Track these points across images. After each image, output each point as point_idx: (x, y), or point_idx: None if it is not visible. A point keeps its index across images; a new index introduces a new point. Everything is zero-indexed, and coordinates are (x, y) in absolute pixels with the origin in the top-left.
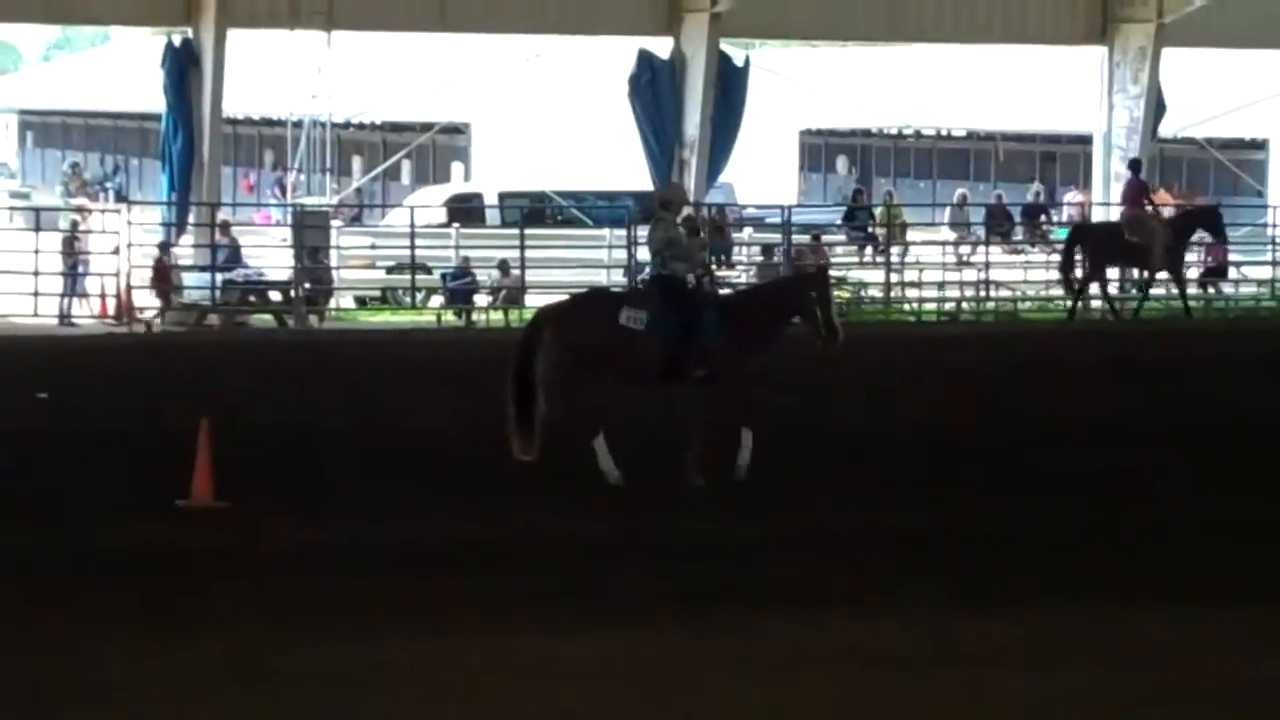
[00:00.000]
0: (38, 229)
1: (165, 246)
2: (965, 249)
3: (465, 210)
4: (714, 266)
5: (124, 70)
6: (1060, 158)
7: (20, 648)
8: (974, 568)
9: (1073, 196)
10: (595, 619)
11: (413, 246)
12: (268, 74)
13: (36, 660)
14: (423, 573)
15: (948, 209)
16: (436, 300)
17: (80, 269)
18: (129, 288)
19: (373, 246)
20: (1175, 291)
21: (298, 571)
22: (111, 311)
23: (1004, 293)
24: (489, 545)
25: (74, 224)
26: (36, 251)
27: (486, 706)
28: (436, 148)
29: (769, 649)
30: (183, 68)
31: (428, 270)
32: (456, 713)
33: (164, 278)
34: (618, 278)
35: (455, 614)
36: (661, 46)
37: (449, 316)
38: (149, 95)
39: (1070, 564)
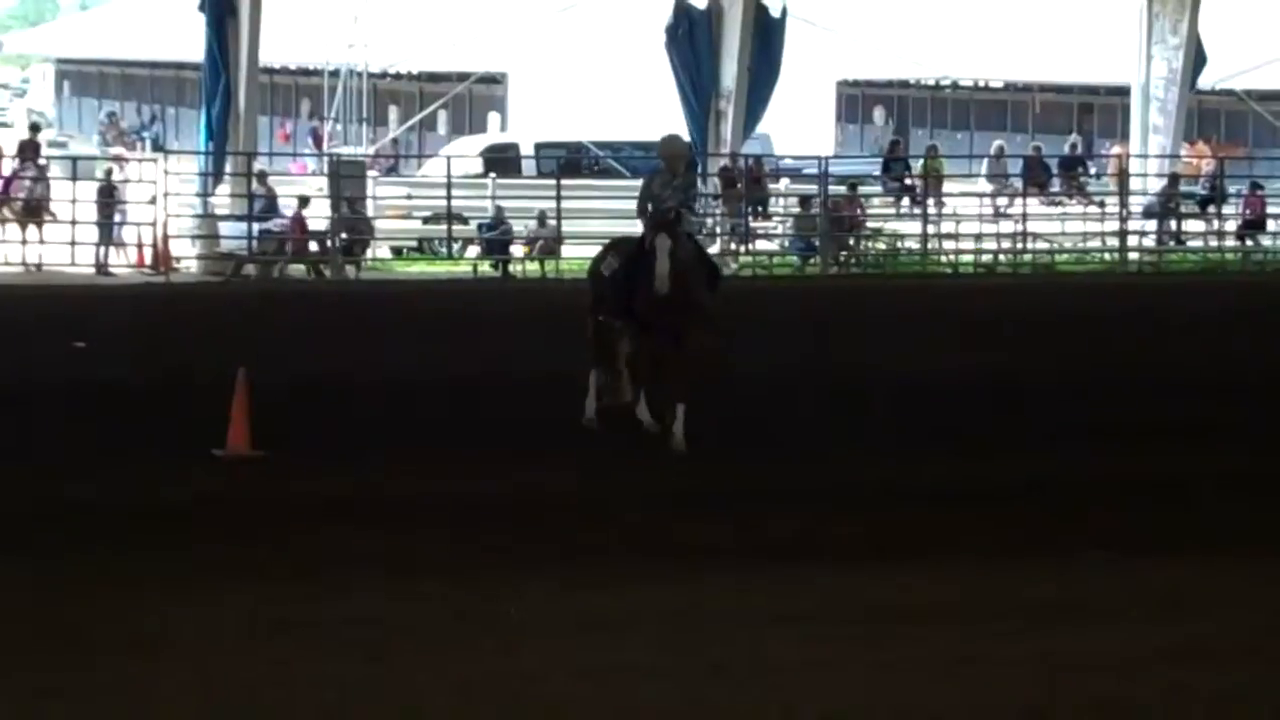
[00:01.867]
0: (74, 178)
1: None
2: (1002, 201)
3: (501, 160)
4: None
5: (161, 19)
6: (1098, 109)
7: (54, 596)
8: (1010, 520)
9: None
10: (632, 572)
11: (449, 197)
12: (305, 23)
13: (70, 608)
14: (458, 525)
15: (985, 160)
16: (473, 251)
17: (117, 218)
18: (165, 237)
19: (409, 197)
20: (1215, 244)
21: (333, 522)
22: (148, 261)
23: (1041, 244)
24: (524, 498)
25: (110, 173)
26: (74, 201)
27: (521, 659)
28: (473, 98)
29: (805, 603)
30: (220, 17)
31: (464, 220)
32: (492, 663)
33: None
34: None
35: (489, 567)
36: None
37: (485, 267)
38: (186, 44)
39: (1105, 516)
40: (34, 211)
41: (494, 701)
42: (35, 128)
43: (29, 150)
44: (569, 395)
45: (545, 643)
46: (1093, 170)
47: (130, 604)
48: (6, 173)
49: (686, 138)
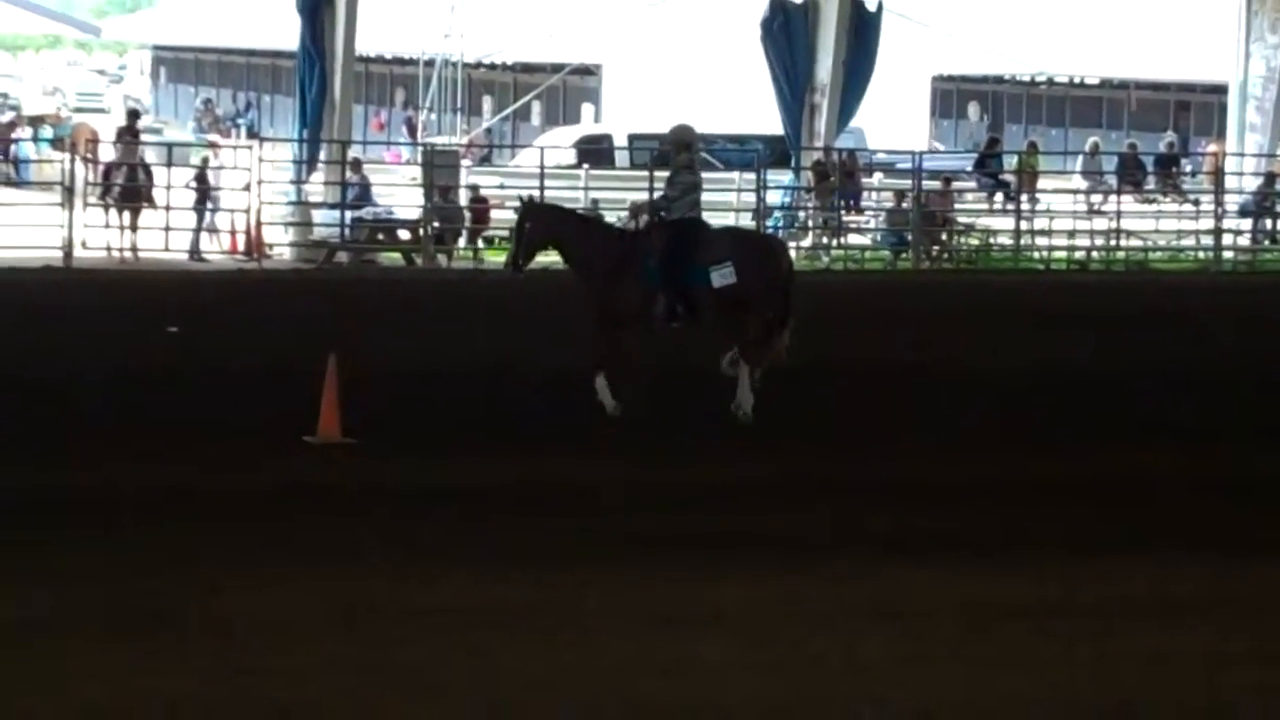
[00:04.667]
0: (170, 164)
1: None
2: (1097, 198)
3: (595, 152)
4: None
5: (257, 7)
6: (1195, 107)
7: (146, 577)
8: (1103, 517)
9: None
10: (721, 564)
11: (542, 187)
12: (400, 13)
13: (161, 590)
14: (544, 513)
15: (1080, 157)
16: None
17: (211, 205)
18: (259, 224)
19: (502, 186)
20: None
21: (421, 509)
22: (242, 247)
23: (1135, 242)
24: (613, 486)
25: (205, 160)
26: (168, 187)
27: (604, 652)
28: (567, 89)
29: (900, 596)
30: (317, 5)
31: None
32: (574, 656)
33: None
34: (746, 221)
35: (574, 556)
36: None
37: None
38: (282, 32)
39: (1197, 514)
40: (133, 198)
41: (578, 695)
42: (134, 114)
43: (127, 136)
44: (656, 385)
45: (631, 635)
46: (1188, 168)
47: (220, 587)
48: (106, 159)
49: (782, 131)
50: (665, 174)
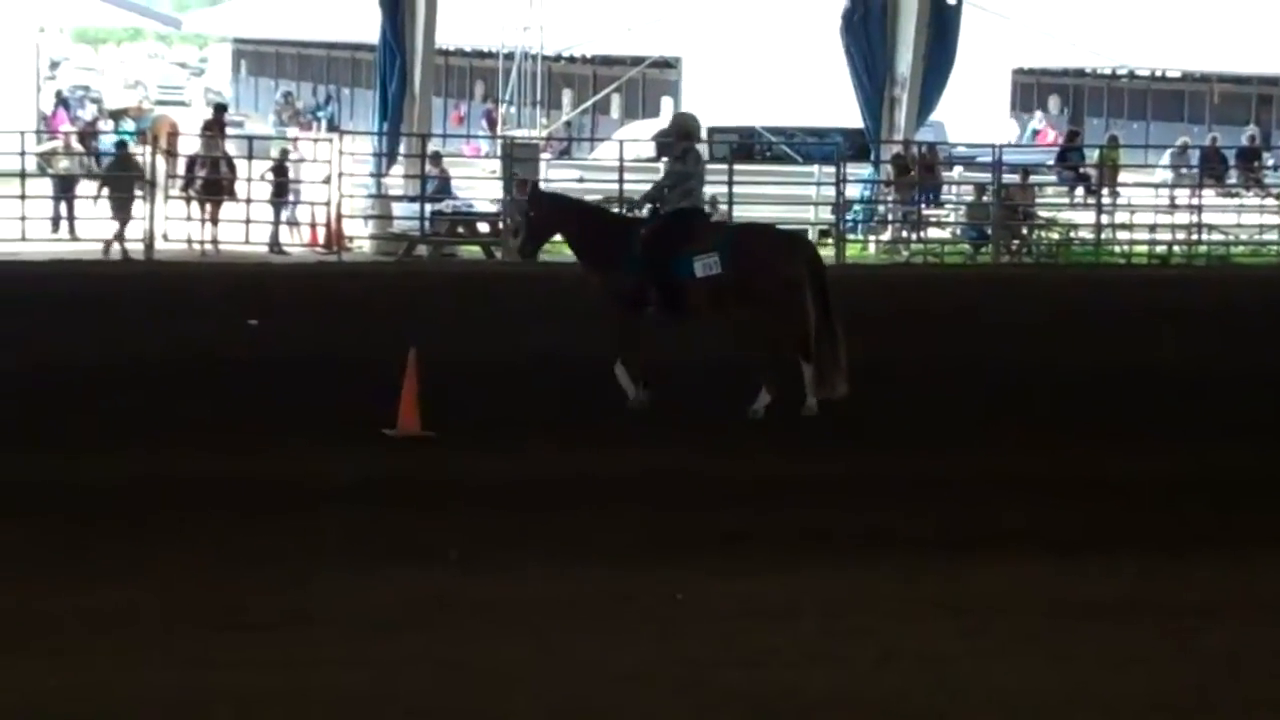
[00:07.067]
0: (250, 157)
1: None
2: (1180, 191)
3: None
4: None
5: (338, 0)
6: (1277, 100)
7: (223, 571)
8: (1182, 514)
9: None
10: (797, 558)
11: (621, 180)
12: (480, 6)
13: (237, 582)
14: (624, 506)
15: (1166, 152)
16: None
17: (291, 198)
18: (339, 217)
19: (581, 180)
20: None
21: (500, 503)
22: (322, 240)
23: (1216, 236)
24: (694, 480)
25: (285, 152)
26: (248, 179)
27: (685, 645)
28: (646, 82)
29: (974, 592)
30: None
31: (636, 205)
32: (655, 648)
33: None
34: (825, 214)
35: (652, 551)
36: None
37: None
38: (362, 25)
39: (1277, 512)
40: (215, 190)
41: (658, 688)
42: (221, 108)
43: (214, 129)
44: (731, 379)
45: (709, 629)
46: (1270, 162)
47: (296, 580)
48: (187, 152)
49: (862, 125)
50: (743, 167)
